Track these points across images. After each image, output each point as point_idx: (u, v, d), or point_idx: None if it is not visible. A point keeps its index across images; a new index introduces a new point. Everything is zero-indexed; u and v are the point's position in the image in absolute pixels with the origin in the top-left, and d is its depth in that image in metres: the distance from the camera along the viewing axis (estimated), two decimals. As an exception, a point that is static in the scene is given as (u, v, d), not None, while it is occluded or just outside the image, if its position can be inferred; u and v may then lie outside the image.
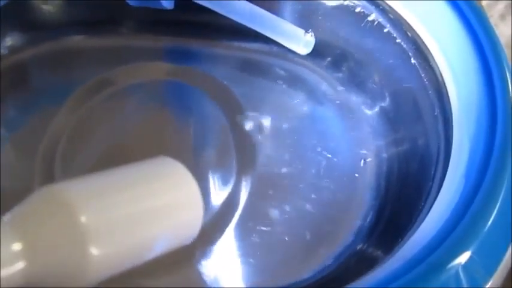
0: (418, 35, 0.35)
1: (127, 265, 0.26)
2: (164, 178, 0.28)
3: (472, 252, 0.24)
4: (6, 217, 0.23)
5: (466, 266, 0.24)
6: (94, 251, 0.23)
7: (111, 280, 0.25)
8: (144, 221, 0.26)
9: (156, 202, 0.27)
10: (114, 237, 0.24)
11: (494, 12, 0.51)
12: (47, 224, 0.23)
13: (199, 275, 0.31)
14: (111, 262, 0.24)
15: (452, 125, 0.30)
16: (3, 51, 0.39)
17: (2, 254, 0.22)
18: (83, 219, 0.23)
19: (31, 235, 0.22)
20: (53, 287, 0.23)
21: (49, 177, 0.33)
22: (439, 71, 0.33)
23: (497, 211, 0.25)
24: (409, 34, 0.36)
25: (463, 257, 0.24)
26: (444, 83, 0.33)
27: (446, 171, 0.29)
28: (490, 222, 0.25)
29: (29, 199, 0.24)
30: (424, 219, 0.27)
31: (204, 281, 0.31)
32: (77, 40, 0.41)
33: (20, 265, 0.22)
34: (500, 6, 0.51)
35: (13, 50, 0.40)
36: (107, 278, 0.25)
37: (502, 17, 0.51)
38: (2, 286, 0.21)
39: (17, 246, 0.22)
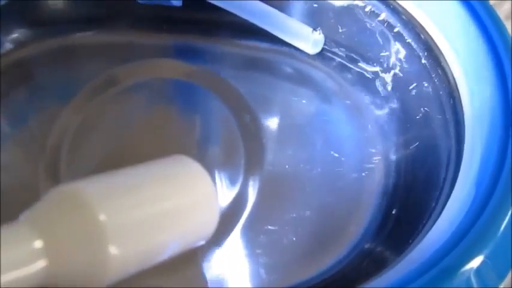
0: (429, 35, 0.35)
1: (145, 265, 0.26)
2: (181, 177, 0.28)
3: (485, 257, 0.24)
4: (24, 215, 0.23)
5: (478, 271, 0.23)
6: (113, 249, 0.23)
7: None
8: (162, 220, 0.26)
9: (174, 201, 0.27)
10: (133, 236, 0.24)
11: (500, 13, 0.51)
12: (66, 223, 0.23)
13: (205, 275, 0.31)
14: (130, 261, 0.24)
15: (464, 128, 0.30)
16: (8, 47, 0.39)
17: (24, 251, 0.21)
18: (102, 217, 0.23)
19: (50, 233, 0.22)
20: (71, 286, 0.23)
21: (54, 176, 0.33)
22: (451, 71, 0.33)
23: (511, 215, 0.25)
24: (419, 34, 0.36)
25: (476, 261, 0.24)
26: (456, 85, 0.32)
27: (457, 173, 0.28)
28: (503, 226, 0.24)
29: (47, 197, 0.24)
30: (435, 222, 0.27)
31: (210, 281, 0.31)
32: (83, 37, 0.41)
33: (41, 263, 0.22)
34: (506, 6, 0.51)
35: (18, 46, 0.39)
36: (124, 278, 0.25)
37: (508, 17, 0.50)
38: (24, 285, 0.21)
39: (38, 244, 0.22)
